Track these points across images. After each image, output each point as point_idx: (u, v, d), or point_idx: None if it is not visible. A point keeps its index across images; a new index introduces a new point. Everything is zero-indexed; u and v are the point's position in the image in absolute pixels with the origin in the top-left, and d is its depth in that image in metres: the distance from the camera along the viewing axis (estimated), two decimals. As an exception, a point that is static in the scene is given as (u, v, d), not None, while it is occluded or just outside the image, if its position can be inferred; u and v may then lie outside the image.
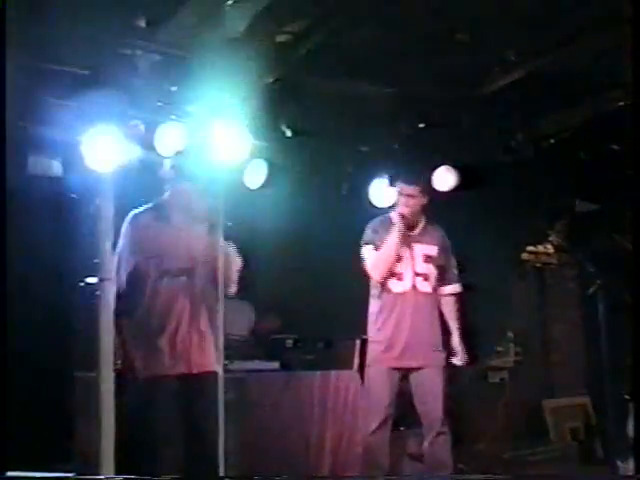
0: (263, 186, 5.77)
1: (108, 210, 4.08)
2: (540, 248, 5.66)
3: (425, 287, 4.84)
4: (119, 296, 4.02)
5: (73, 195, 4.44)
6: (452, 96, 5.58)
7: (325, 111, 5.41)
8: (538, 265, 6.13)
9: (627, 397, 5.47)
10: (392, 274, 4.78)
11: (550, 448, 6.45)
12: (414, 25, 4.66)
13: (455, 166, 5.57)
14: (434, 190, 5.35)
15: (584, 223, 6.49)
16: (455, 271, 5.03)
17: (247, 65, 4.99)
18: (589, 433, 6.39)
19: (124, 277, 4.02)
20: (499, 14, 4.60)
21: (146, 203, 4.60)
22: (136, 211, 4.27)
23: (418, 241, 4.88)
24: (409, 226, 4.84)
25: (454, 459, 4.99)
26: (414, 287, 4.80)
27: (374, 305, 4.86)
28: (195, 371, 4.02)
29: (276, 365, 5.56)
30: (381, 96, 5.52)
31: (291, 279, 6.08)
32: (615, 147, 6.05)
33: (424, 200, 4.90)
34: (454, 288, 5.03)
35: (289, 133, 5.52)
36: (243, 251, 5.36)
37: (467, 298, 6.63)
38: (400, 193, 4.85)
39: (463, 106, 5.68)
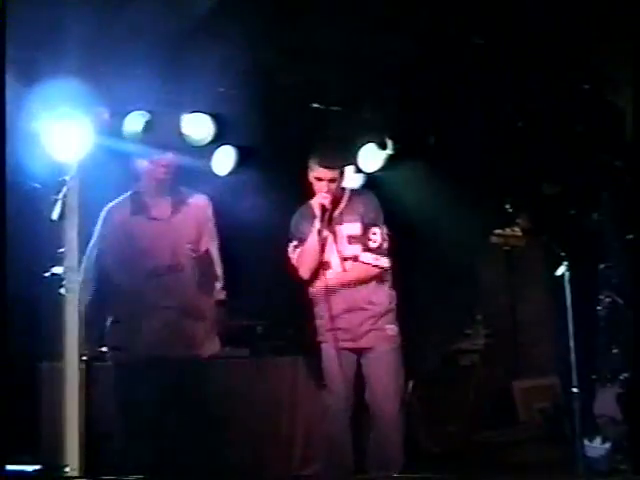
0: (232, 172, 5.78)
1: (73, 199, 4.03)
2: (508, 231, 5.68)
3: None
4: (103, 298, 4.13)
5: (37, 185, 4.40)
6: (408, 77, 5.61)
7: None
8: (506, 248, 6.17)
9: (594, 377, 5.56)
10: (319, 265, 4.34)
11: (519, 429, 6.52)
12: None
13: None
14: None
15: (551, 205, 6.54)
16: (375, 242, 4.38)
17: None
18: (558, 413, 6.46)
19: (109, 277, 4.12)
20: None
21: (112, 191, 4.61)
22: (111, 205, 4.24)
23: (340, 222, 4.39)
24: (331, 211, 4.35)
25: (424, 441, 5.04)
26: (344, 273, 4.36)
27: (312, 291, 4.44)
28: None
29: (246, 352, 5.55)
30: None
31: (260, 266, 6.06)
32: (581, 129, 6.10)
33: (342, 180, 4.42)
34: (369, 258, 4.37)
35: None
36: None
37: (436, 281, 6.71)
38: (319, 179, 4.33)
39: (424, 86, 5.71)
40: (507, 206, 5.57)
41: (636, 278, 5.05)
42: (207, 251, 4.38)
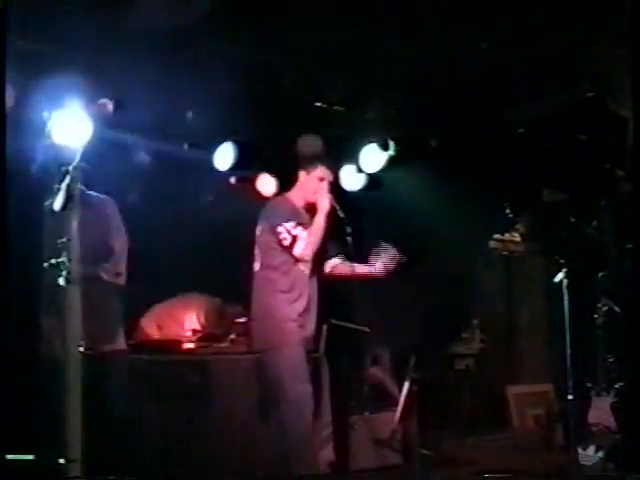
0: (233, 168, 5.77)
1: (76, 189, 4.02)
2: (507, 236, 5.70)
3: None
4: None
5: (40, 174, 4.40)
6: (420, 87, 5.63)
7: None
8: (505, 253, 6.19)
9: (589, 385, 5.56)
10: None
11: (513, 434, 6.52)
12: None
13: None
14: None
15: (551, 212, 6.56)
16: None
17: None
18: (552, 420, 6.46)
19: None
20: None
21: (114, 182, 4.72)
22: None
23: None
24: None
25: (418, 444, 5.02)
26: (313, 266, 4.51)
27: (282, 281, 4.48)
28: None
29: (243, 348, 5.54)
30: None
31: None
32: (582, 137, 6.11)
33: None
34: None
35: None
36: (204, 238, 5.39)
37: (433, 285, 6.71)
38: (322, 179, 4.49)
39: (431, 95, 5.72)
40: (507, 211, 5.59)
41: (633, 286, 5.06)
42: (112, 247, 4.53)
